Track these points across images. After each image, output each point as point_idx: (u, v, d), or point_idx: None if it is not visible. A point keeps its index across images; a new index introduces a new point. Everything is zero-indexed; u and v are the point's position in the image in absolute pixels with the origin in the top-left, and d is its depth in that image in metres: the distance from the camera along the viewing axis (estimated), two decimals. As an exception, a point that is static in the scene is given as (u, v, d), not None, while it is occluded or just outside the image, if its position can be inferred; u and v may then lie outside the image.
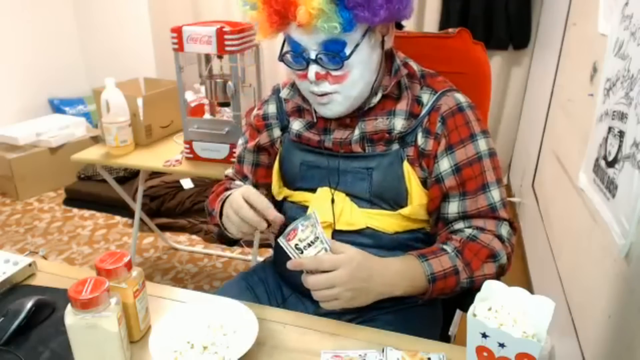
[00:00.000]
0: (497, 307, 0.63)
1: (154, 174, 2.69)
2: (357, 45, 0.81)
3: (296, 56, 0.84)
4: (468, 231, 0.88)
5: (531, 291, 0.63)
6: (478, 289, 0.67)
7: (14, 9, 3.23)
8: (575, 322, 1.26)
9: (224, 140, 1.61)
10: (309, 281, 0.78)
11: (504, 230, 0.88)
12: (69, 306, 0.67)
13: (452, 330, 1.10)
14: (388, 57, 0.92)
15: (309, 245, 0.78)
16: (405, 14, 0.83)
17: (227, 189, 1.02)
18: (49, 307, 0.84)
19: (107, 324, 0.67)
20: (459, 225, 0.89)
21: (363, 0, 0.75)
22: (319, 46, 0.80)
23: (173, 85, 1.83)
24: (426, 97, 0.90)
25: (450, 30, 1.06)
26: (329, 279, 0.77)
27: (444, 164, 0.88)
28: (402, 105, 0.89)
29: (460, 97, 0.91)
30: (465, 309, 0.70)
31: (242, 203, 0.83)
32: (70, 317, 0.66)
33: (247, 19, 0.84)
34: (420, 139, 0.89)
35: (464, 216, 0.89)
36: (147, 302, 0.80)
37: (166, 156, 1.74)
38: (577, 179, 1.28)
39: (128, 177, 2.90)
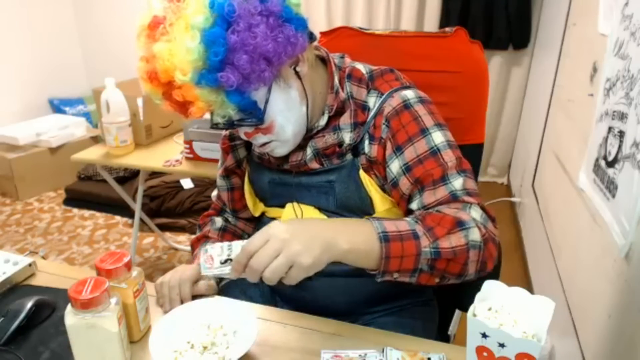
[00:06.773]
0: (497, 307, 0.64)
1: (154, 174, 2.69)
2: (267, 101, 0.78)
3: (223, 123, 0.83)
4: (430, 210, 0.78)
5: (531, 291, 0.63)
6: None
7: (14, 9, 3.23)
8: (575, 322, 1.26)
9: (224, 140, 1.61)
10: (253, 265, 0.65)
11: (475, 212, 0.75)
12: (69, 306, 0.67)
13: (452, 330, 1.10)
14: (330, 74, 0.88)
15: (229, 249, 0.72)
16: (299, 47, 0.76)
17: (205, 237, 1.03)
18: (49, 307, 0.84)
19: (107, 324, 0.67)
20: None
21: (241, 81, 0.71)
22: (234, 114, 0.78)
23: (173, 85, 1.83)
24: (372, 101, 0.86)
25: (447, 29, 1.06)
26: (269, 247, 0.64)
27: (395, 167, 0.82)
28: (345, 119, 0.86)
29: (409, 93, 0.84)
30: (464, 309, 0.70)
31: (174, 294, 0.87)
32: (70, 317, 0.66)
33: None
34: (366, 147, 0.86)
35: (425, 209, 0.79)
36: (147, 302, 0.80)
37: (166, 156, 1.74)
38: (577, 179, 1.28)
39: (128, 177, 2.90)
